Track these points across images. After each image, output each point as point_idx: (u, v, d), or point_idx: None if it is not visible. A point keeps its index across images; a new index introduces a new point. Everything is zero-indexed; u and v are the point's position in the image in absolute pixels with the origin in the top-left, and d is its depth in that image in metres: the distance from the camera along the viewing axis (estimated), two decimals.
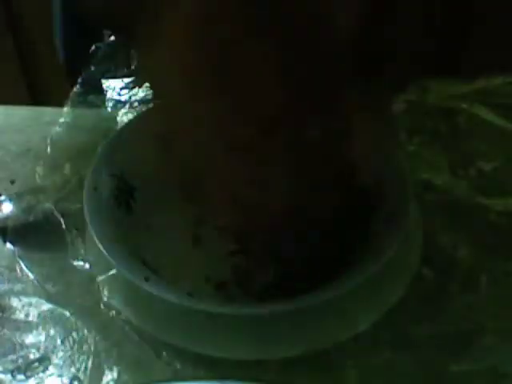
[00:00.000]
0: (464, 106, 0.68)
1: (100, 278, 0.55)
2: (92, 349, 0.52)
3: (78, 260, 0.57)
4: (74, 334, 0.53)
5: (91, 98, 0.70)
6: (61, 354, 0.52)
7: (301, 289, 0.52)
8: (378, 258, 0.50)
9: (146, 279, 0.50)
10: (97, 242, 0.52)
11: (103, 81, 0.70)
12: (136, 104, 0.69)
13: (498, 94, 0.69)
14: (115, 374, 0.51)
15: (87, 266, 0.56)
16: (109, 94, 0.70)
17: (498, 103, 0.69)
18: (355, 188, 0.58)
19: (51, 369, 0.52)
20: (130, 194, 0.59)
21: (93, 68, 0.70)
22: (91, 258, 0.56)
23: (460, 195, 0.62)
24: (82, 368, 0.51)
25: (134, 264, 0.52)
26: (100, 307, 0.54)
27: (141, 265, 0.53)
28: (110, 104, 0.70)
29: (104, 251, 0.51)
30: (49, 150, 0.66)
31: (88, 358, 0.52)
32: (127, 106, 0.69)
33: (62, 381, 0.51)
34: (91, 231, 0.53)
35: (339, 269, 0.53)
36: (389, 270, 0.50)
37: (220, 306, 0.49)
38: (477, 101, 0.68)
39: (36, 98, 1.28)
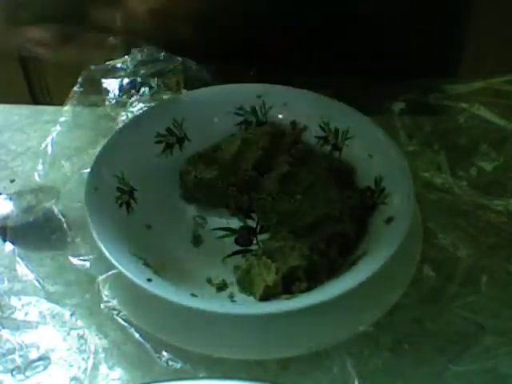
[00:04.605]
0: (464, 105, 0.68)
1: (100, 278, 0.55)
2: (92, 349, 0.52)
3: (78, 259, 0.57)
4: (74, 334, 0.53)
5: (91, 97, 0.70)
6: (60, 353, 0.52)
7: (301, 288, 0.52)
8: (377, 258, 0.50)
9: (149, 280, 0.50)
10: (99, 243, 0.52)
11: (103, 80, 0.70)
12: (136, 104, 0.69)
13: (497, 94, 0.69)
14: (115, 374, 0.51)
15: (87, 265, 0.56)
16: (109, 94, 0.70)
17: (497, 103, 0.69)
18: (356, 188, 0.58)
19: (51, 368, 0.52)
20: (131, 194, 0.59)
21: (93, 68, 0.70)
22: (91, 258, 0.56)
23: (460, 195, 0.62)
24: (82, 368, 0.51)
25: (135, 265, 0.52)
26: (100, 307, 0.54)
27: (143, 266, 0.53)
28: (110, 104, 0.70)
29: (106, 252, 0.51)
30: (49, 148, 0.66)
31: (88, 358, 0.52)
32: (127, 105, 0.69)
33: (61, 380, 0.51)
34: (93, 232, 0.53)
35: (339, 269, 0.53)
36: (389, 270, 0.50)
37: (223, 307, 0.49)
38: (477, 101, 0.68)
39: (36, 97, 1.28)
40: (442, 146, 0.65)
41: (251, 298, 0.53)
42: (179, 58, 0.72)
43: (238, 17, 0.73)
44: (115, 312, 0.53)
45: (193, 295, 0.51)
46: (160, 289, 0.49)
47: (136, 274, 0.50)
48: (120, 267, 0.50)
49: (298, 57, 0.56)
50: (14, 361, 0.52)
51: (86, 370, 0.51)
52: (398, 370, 0.50)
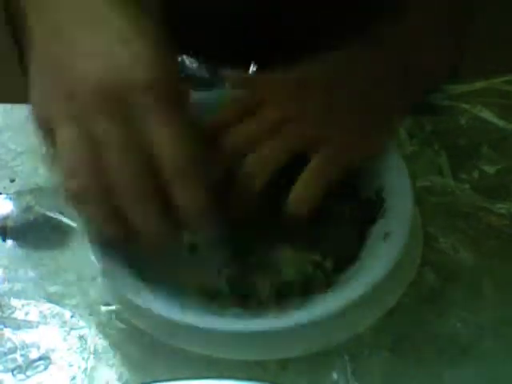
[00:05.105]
0: (465, 106, 0.68)
1: (100, 278, 0.54)
2: (92, 349, 0.52)
3: (77, 259, 0.57)
4: (74, 334, 0.53)
5: None
6: (61, 353, 0.52)
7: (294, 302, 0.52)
8: (371, 277, 0.50)
9: (137, 291, 0.50)
10: (92, 251, 0.52)
11: None
12: None
13: (499, 95, 0.69)
14: (115, 374, 0.51)
15: (87, 265, 0.56)
16: None
17: (499, 104, 0.68)
18: (357, 199, 0.58)
19: (51, 368, 0.52)
20: None
21: None
22: (91, 258, 0.56)
23: (461, 197, 0.61)
24: (82, 368, 0.51)
25: (125, 273, 0.51)
26: (100, 307, 0.54)
27: (133, 275, 0.52)
28: None
29: (97, 260, 0.51)
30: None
31: (88, 358, 0.52)
32: None
33: (61, 380, 0.51)
34: (89, 237, 0.52)
35: (334, 284, 0.53)
36: (388, 272, 0.50)
37: (210, 322, 0.49)
38: (478, 102, 0.68)
39: None
40: (443, 147, 0.65)
41: (242, 310, 0.53)
42: (179, 58, 0.72)
43: (238, 16, 0.73)
44: (115, 312, 0.53)
45: (182, 307, 0.50)
46: (146, 301, 0.49)
47: (124, 284, 0.50)
48: (107, 274, 0.50)
49: (299, 57, 0.57)
50: (14, 360, 0.52)
51: (86, 369, 0.51)
52: (398, 371, 0.50)
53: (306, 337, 0.50)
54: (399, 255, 0.51)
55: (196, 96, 0.64)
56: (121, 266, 0.52)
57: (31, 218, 0.60)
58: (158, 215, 0.46)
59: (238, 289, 0.54)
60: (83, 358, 0.52)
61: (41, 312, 0.55)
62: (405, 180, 0.56)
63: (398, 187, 0.56)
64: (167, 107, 0.45)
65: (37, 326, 0.54)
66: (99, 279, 0.54)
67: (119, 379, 0.51)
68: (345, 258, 0.54)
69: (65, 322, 0.54)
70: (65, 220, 0.60)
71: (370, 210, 0.56)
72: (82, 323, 0.54)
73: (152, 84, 0.45)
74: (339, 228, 0.56)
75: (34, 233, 0.60)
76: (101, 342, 0.53)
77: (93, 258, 0.54)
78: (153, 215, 0.46)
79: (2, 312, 0.55)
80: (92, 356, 0.52)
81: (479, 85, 0.70)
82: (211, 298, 0.54)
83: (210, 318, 0.50)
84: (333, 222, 0.56)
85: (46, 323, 0.54)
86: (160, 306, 0.49)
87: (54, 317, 0.54)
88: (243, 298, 0.53)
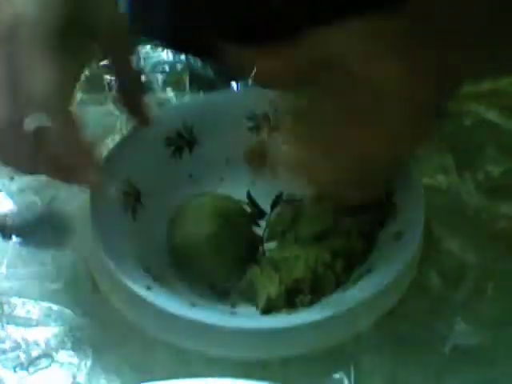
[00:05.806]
0: (471, 107, 0.68)
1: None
2: (92, 348, 0.52)
3: (78, 258, 0.57)
4: (75, 333, 0.53)
5: (94, 94, 0.69)
6: (61, 352, 0.52)
7: (304, 302, 0.52)
8: (383, 276, 0.50)
9: (148, 288, 0.50)
10: (100, 249, 0.51)
11: (106, 77, 0.70)
12: None
13: (505, 96, 0.69)
14: (115, 374, 0.51)
15: (88, 264, 0.56)
16: (112, 91, 0.70)
17: (505, 105, 0.68)
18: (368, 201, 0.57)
19: (52, 367, 0.52)
20: (137, 197, 0.58)
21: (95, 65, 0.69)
22: (92, 257, 0.56)
23: (467, 199, 0.61)
24: (82, 367, 0.51)
25: (135, 271, 0.51)
26: (101, 306, 0.54)
27: (143, 272, 0.52)
28: (113, 101, 0.69)
29: (107, 258, 0.51)
30: None
31: (88, 358, 0.52)
32: None
33: (62, 379, 0.51)
34: (95, 235, 0.52)
35: (344, 283, 0.53)
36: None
37: (221, 321, 0.49)
38: (484, 103, 0.68)
39: None
40: (448, 148, 0.65)
41: (253, 308, 0.53)
42: (183, 56, 0.72)
43: (238, 17, 0.72)
44: (116, 312, 0.53)
45: (192, 305, 0.50)
46: (158, 298, 0.49)
47: (135, 281, 0.49)
48: (118, 273, 0.50)
49: None
50: (16, 358, 0.52)
51: (86, 368, 0.51)
52: (398, 370, 0.50)
53: (307, 336, 0.49)
54: (412, 256, 0.51)
55: (206, 99, 0.65)
56: (130, 263, 0.52)
57: (31, 216, 0.60)
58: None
59: (248, 287, 0.54)
60: (84, 357, 0.52)
61: (41, 310, 0.55)
62: (414, 178, 0.56)
63: (407, 186, 0.55)
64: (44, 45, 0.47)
65: (37, 325, 0.54)
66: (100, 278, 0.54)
67: (119, 379, 0.51)
68: (354, 258, 0.54)
69: (65, 321, 0.54)
70: (65, 219, 0.60)
71: (380, 210, 0.56)
72: (82, 322, 0.54)
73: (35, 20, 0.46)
74: (348, 228, 0.55)
75: (34, 231, 0.60)
76: (101, 341, 0.53)
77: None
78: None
79: (3, 310, 0.55)
80: (92, 355, 0.52)
81: (485, 86, 0.69)
82: (221, 296, 0.54)
83: (222, 317, 0.50)
84: (341, 221, 0.56)
85: (46, 321, 0.54)
86: (171, 305, 0.49)
87: (54, 316, 0.54)
88: (253, 296, 0.53)
